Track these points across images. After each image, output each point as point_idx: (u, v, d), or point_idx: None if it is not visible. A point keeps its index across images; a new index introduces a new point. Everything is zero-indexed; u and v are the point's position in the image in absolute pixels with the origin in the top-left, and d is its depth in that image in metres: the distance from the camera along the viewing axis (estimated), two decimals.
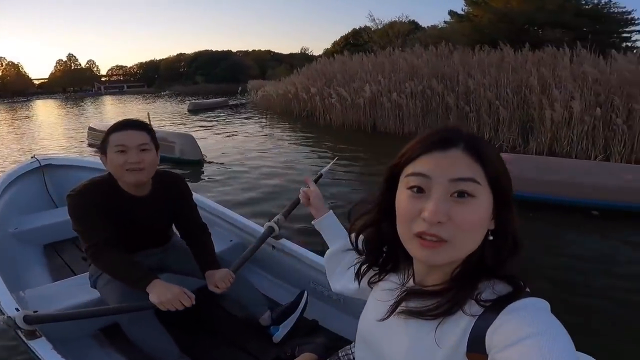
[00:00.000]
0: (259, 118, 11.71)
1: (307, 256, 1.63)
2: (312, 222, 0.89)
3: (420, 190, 0.48)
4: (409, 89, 7.50)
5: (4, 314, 1.18)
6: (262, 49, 69.92)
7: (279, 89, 12.25)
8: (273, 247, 1.74)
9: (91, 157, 3.25)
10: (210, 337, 1.46)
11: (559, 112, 5.47)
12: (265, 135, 8.43)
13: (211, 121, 11.50)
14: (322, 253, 1.17)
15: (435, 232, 0.46)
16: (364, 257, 0.66)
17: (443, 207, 0.46)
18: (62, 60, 68.87)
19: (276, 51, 72.91)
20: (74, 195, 1.23)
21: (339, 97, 8.57)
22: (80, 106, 25.79)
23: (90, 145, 7.57)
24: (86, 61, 70.91)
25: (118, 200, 1.26)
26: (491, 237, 0.51)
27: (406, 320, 0.53)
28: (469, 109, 6.79)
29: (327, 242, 0.87)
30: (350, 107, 8.47)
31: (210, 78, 49.47)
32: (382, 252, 0.62)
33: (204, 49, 63.71)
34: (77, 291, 1.44)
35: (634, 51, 9.09)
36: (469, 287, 0.50)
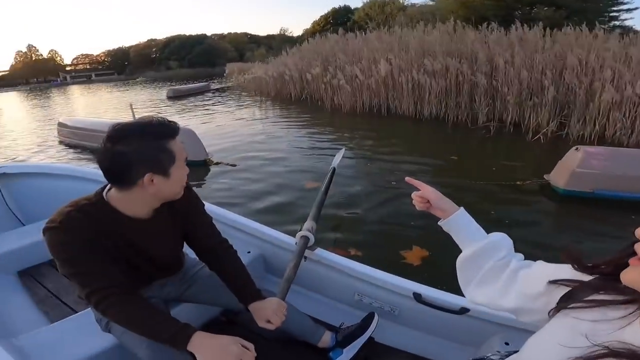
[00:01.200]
0: (253, 103, 10.27)
1: (348, 265, 1.43)
2: (440, 223, 0.76)
3: None
4: (430, 67, 6.50)
5: None
6: (239, 32, 66.94)
7: (269, 70, 11.02)
8: (305, 258, 1.48)
9: (53, 162, 2.97)
10: None
11: (610, 94, 4.76)
12: (267, 123, 7.13)
13: (198, 108, 10.00)
14: (361, 260, 1.41)
15: None
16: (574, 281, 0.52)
17: None
18: (21, 51, 63.57)
19: (253, 33, 70.10)
20: (56, 228, 0.84)
21: (350, 77, 7.45)
22: (47, 97, 23.63)
23: (63, 143, 6.25)
24: (48, 51, 66.00)
25: (115, 227, 0.90)
26: None
27: None
28: (507, 90, 5.85)
29: (460, 244, 0.73)
30: (360, 88, 7.36)
31: (185, 63, 47.05)
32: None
33: (176, 33, 60.10)
34: (84, 336, 1.11)
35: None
36: None
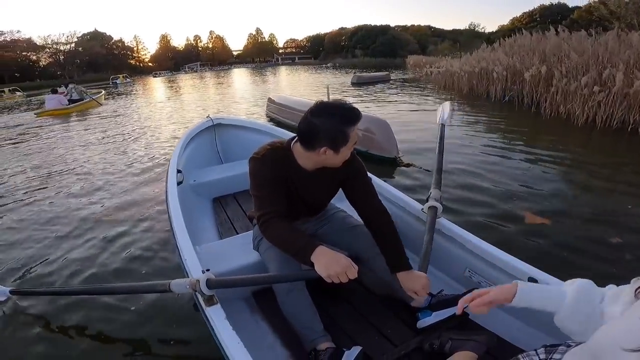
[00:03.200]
0: (440, 99, 9.00)
1: (468, 239, 1.33)
2: (512, 305, 0.69)
3: None
4: None
5: (188, 275, 1.16)
6: (422, 24, 64.26)
7: (464, 65, 9.81)
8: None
9: (254, 119, 3.24)
10: (348, 315, 1.31)
11: None
12: (462, 126, 5.79)
13: (381, 97, 9.67)
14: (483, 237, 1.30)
15: None
16: None
17: None
18: (252, 34, 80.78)
19: (437, 27, 65.91)
20: (258, 159, 1.15)
21: (591, 82, 5.28)
22: (264, 75, 29.03)
23: (268, 116, 6.74)
24: (268, 34, 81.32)
25: (290, 171, 1.18)
26: None
27: None
28: None
29: (545, 309, 0.67)
30: (613, 97, 5.02)
31: (369, 52, 48.83)
32: None
33: (363, 23, 62.87)
34: (241, 252, 1.41)
35: None
36: None
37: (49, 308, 1.72)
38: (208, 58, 73.60)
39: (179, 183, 1.90)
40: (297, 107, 5.61)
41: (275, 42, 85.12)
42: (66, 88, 13.23)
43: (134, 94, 19.49)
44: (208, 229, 1.91)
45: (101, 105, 12.62)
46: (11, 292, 1.65)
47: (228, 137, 2.73)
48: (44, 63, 57.73)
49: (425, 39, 51.50)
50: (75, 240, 2.51)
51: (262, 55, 79.17)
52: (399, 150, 3.93)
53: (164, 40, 75.59)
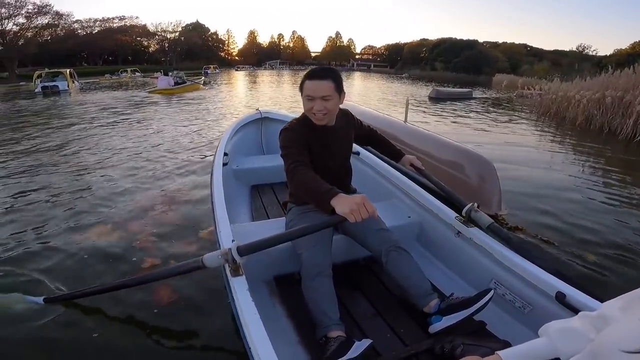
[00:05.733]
0: (543, 129, 7.14)
1: (497, 249, 1.29)
2: None
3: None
4: None
5: (220, 246, 1.24)
6: (516, 42, 57.88)
7: (583, 90, 7.64)
8: (458, 233, 1.44)
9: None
10: (365, 310, 1.34)
11: None
12: (583, 170, 4.24)
13: (464, 118, 8.11)
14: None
15: None
16: None
17: None
18: (331, 37, 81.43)
19: (535, 46, 58.92)
20: (286, 128, 1.36)
21: None
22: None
23: None
24: (347, 39, 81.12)
25: (314, 131, 1.37)
26: None
27: None
28: None
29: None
30: None
31: (450, 66, 45.40)
32: None
33: (447, 35, 58.86)
34: (272, 233, 1.24)
35: None
36: None
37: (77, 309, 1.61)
38: (288, 57, 76.11)
39: (224, 164, 1.97)
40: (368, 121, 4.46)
41: (353, 47, 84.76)
42: (172, 73, 16.40)
43: (222, 83, 21.18)
44: (243, 212, 2.00)
45: (200, 89, 14.83)
46: (45, 300, 1.57)
47: (273, 130, 2.72)
48: (152, 49, 65.28)
49: (519, 58, 46.07)
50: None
51: (338, 59, 79.49)
52: (503, 206, 2.59)
53: (252, 35, 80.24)
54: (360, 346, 1.05)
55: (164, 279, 1.40)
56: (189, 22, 68.50)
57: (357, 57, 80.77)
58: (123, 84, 19.65)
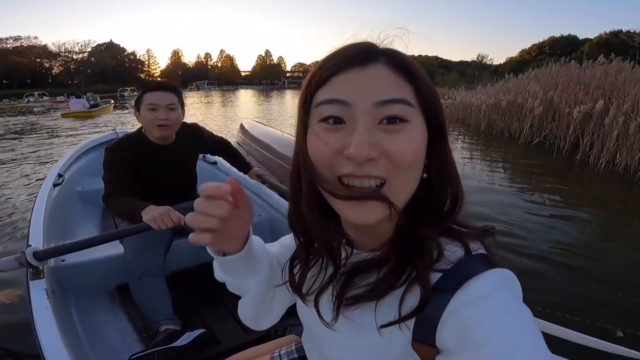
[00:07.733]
0: (462, 138, 7.56)
1: None
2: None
3: (338, 120, 0.36)
4: None
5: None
6: (430, 55, 64.93)
7: (485, 97, 8.59)
8: None
9: None
10: (208, 306, 1.41)
11: None
12: (494, 176, 4.52)
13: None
14: None
15: (368, 173, 0.35)
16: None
17: (372, 138, 0.34)
18: (261, 55, 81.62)
19: (444, 57, 66.65)
20: (110, 148, 1.35)
21: None
22: (270, 97, 28.37)
23: (237, 142, 4.92)
24: (277, 57, 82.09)
25: (146, 150, 1.39)
26: (425, 175, 0.38)
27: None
28: None
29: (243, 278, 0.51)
30: None
31: None
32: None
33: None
34: (107, 246, 1.37)
35: None
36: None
37: None
38: (216, 77, 74.03)
39: (56, 185, 1.96)
40: (266, 140, 3.96)
41: (283, 64, 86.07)
42: (86, 95, 16.72)
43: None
44: (87, 230, 1.93)
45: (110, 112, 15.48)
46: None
47: None
48: (56, 71, 57.92)
49: (432, 70, 51.67)
50: None
51: (269, 77, 79.88)
52: None
53: (176, 55, 76.51)
54: (190, 335, 1.11)
55: None
56: (100, 42, 62.81)
57: (287, 75, 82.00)
58: (24, 110, 18.11)
